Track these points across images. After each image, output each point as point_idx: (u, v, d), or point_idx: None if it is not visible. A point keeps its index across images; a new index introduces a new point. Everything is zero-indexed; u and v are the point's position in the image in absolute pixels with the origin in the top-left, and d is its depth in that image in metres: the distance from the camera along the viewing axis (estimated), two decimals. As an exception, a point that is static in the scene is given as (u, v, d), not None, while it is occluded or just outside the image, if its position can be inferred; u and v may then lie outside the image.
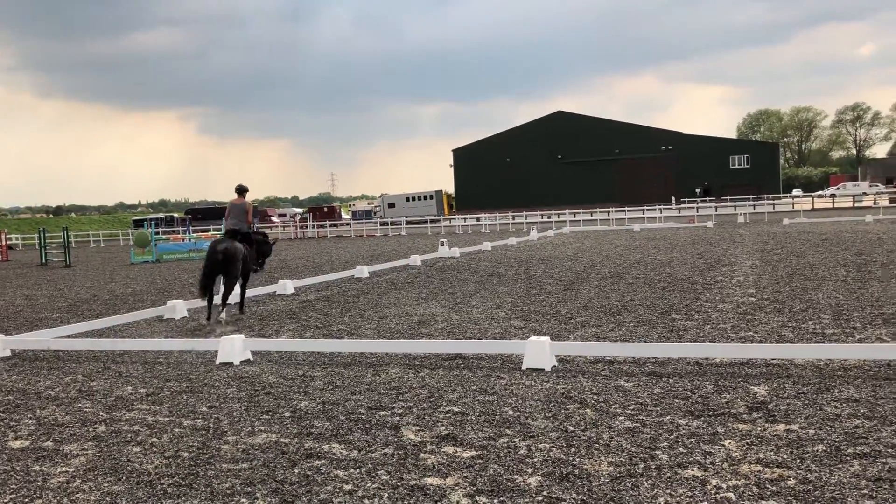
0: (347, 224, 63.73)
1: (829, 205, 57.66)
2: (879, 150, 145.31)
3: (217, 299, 12.31)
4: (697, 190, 77.99)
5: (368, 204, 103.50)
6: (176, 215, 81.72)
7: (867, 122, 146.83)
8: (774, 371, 7.06)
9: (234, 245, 12.22)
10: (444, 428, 5.83)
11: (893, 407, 5.73)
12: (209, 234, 38.89)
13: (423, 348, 8.62)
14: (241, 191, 13.25)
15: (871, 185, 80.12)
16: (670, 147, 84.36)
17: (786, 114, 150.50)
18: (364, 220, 68.63)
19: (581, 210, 56.82)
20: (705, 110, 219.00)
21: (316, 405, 6.73)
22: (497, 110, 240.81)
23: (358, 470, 5.03)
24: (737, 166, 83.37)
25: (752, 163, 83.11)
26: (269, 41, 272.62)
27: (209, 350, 9.33)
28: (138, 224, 67.75)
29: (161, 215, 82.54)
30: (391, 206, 79.38)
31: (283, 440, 5.76)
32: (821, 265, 15.68)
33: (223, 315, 12.11)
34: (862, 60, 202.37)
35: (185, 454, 5.56)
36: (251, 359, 8.93)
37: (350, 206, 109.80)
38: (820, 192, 76.16)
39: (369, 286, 16.42)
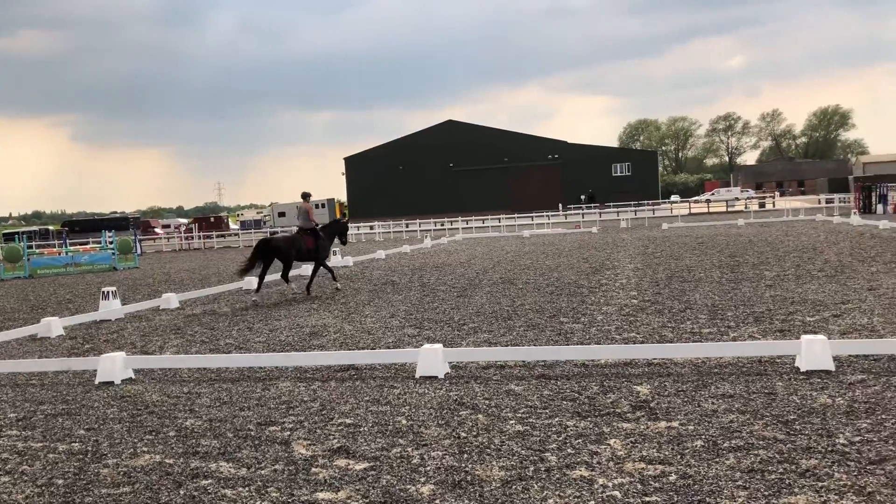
0: (236, 234, 62.15)
1: (705, 210, 60.71)
2: (749, 158, 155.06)
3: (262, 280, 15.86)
4: (582, 197, 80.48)
5: (258, 213, 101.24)
6: (51, 228, 77.43)
7: (738, 131, 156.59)
8: (656, 370, 7.35)
9: (276, 239, 15.99)
10: (336, 441, 5.75)
11: (764, 401, 6.07)
12: (88, 247, 37.03)
13: (314, 360, 8.48)
14: (305, 196, 16.51)
15: (742, 191, 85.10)
16: (556, 155, 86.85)
17: (663, 123, 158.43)
18: (253, 230, 67.08)
19: (473, 217, 57.52)
20: (588, 120, 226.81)
21: (202, 423, 6.50)
22: (388, 119, 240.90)
23: (247, 488, 4.88)
24: (619, 174, 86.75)
25: (633, 170, 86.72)
26: (148, 45, 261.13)
27: (87, 369, 8.87)
28: (9, 238, 63.67)
29: (35, 228, 77.98)
30: (281, 215, 77.94)
31: (167, 461, 5.53)
32: (697, 267, 16.48)
33: (292, 286, 16.01)
34: (732, 72, 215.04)
35: (60, 481, 5.25)
36: (133, 377, 8.54)
37: (238, 215, 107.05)
38: (696, 198, 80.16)
39: (259, 298, 16.03)
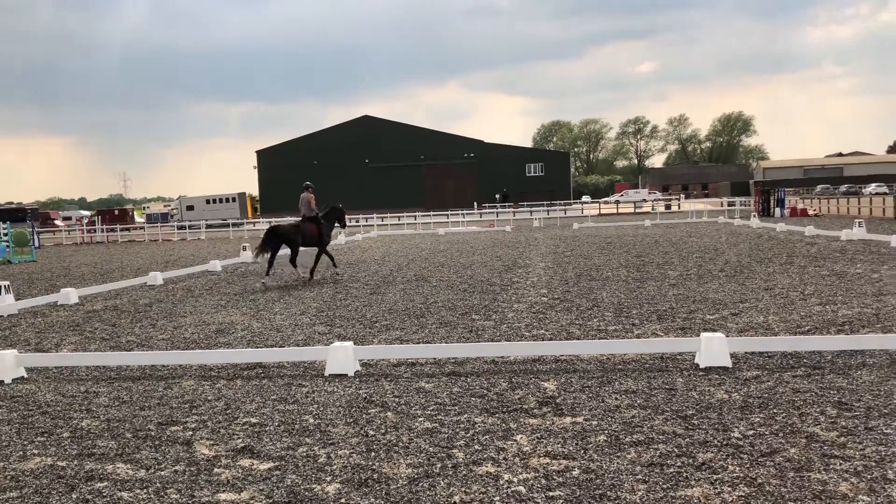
0: (141, 228, 60.12)
1: (614, 210, 62.42)
2: (657, 161, 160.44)
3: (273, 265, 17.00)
4: (497, 196, 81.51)
5: (165, 206, 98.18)
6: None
7: (647, 135, 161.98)
8: (563, 366, 7.50)
9: (284, 227, 17.10)
10: (240, 440, 5.62)
11: (665, 396, 6.27)
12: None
13: (220, 358, 8.27)
14: (306, 187, 17.59)
15: (649, 193, 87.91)
16: (472, 154, 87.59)
17: (576, 125, 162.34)
18: (160, 224, 65.02)
19: (388, 214, 57.42)
20: (504, 120, 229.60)
21: (100, 423, 6.24)
22: (304, 113, 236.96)
23: (145, 490, 4.72)
24: (533, 174, 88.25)
25: (547, 170, 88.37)
26: (53, 30, 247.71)
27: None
28: None
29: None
30: (190, 208, 75.74)
31: (60, 463, 5.29)
32: (605, 266, 16.92)
33: (298, 271, 17.10)
34: (642, 77, 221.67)
35: (-60, 487, 4.94)
36: (25, 376, 8.14)
37: (144, 208, 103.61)
38: (606, 199, 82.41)
39: (163, 294, 15.56)
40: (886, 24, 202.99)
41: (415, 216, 52.25)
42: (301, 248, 17.30)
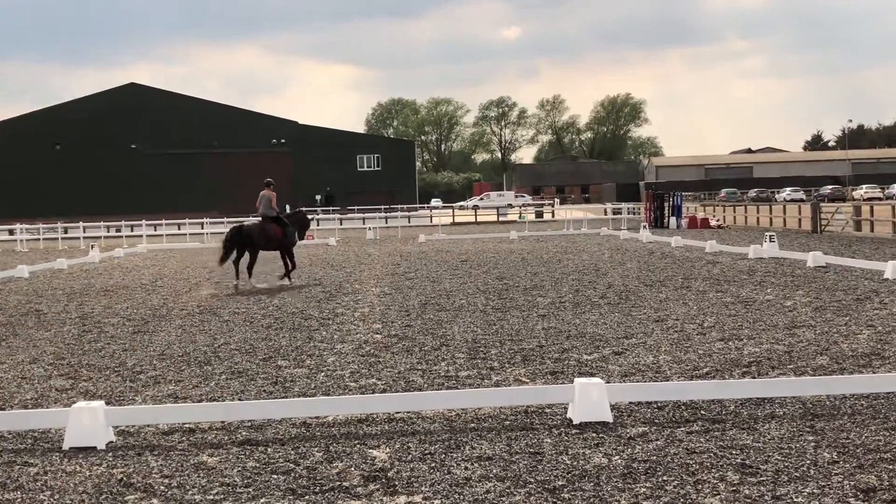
0: None
1: (472, 218, 63.93)
2: (527, 155, 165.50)
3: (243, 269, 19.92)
4: (318, 197, 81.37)
5: None
6: None
7: (513, 122, 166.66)
8: (399, 427, 7.55)
9: (252, 226, 20.61)
10: (-68, 548, 5.24)
11: (528, 464, 6.44)
12: None
13: None
14: (268, 184, 21.01)
15: (517, 196, 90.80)
16: (283, 140, 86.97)
17: (423, 106, 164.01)
18: None
19: (164, 220, 55.84)
20: (327, 96, 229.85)
21: None
22: (34, 77, 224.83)
23: None
24: (366, 168, 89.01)
25: (384, 164, 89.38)
26: None
27: None
28: None
29: None
30: None
31: None
32: (458, 292, 17.25)
33: (252, 281, 19.78)
34: (507, 45, 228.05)
35: None
36: None
37: None
38: (462, 203, 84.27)
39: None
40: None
41: (201, 224, 51.13)
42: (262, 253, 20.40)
